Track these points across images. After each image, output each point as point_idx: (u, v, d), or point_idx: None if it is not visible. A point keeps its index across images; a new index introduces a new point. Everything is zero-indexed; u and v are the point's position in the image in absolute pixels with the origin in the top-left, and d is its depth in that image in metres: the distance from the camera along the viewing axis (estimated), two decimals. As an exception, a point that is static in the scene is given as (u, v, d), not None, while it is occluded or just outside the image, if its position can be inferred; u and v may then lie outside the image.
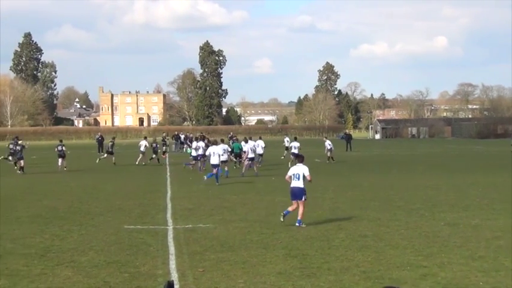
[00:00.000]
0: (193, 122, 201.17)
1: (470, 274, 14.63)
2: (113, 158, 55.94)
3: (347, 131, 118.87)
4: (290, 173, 22.46)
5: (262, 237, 19.58)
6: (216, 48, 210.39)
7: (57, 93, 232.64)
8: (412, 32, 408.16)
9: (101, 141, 77.66)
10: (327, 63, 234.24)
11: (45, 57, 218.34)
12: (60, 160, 50.76)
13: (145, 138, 59.75)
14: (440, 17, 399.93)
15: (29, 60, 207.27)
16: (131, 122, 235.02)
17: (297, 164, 22.55)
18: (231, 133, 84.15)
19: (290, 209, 22.24)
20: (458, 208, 25.85)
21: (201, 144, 46.83)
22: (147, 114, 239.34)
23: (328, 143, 57.34)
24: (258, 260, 16.28)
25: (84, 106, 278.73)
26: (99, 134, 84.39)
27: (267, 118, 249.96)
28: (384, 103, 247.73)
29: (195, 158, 47.20)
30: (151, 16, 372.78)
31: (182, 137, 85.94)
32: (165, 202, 28.79)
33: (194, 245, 18.35)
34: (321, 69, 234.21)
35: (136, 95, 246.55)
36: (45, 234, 20.29)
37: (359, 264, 15.67)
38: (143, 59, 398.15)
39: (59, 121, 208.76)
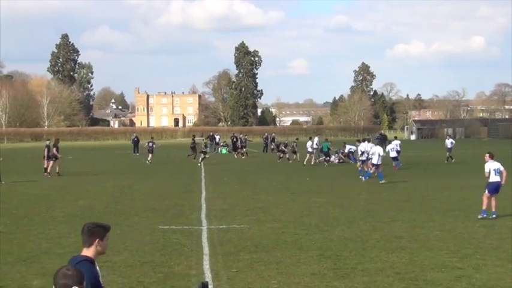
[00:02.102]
0: (228, 123, 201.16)
1: (506, 276, 14.52)
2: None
3: (382, 131, 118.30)
4: (488, 168, 24.14)
5: (296, 237, 19.57)
6: (251, 49, 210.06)
7: (94, 94, 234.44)
8: (448, 31, 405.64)
9: (136, 142, 78.15)
10: (363, 63, 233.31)
11: (81, 58, 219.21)
12: (150, 155, 58.89)
13: (310, 138, 60.20)
14: (477, 16, 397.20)
15: (66, 61, 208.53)
16: (166, 122, 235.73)
17: (491, 161, 24.41)
18: (266, 134, 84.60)
19: (485, 206, 23.33)
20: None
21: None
22: (183, 114, 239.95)
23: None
24: (292, 261, 16.28)
25: (120, 107, 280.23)
26: (135, 134, 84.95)
27: (302, 119, 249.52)
28: (419, 104, 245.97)
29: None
30: (187, 17, 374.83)
31: (217, 138, 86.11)
32: (199, 202, 28.87)
33: (228, 245, 18.39)
34: (357, 69, 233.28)
35: (172, 96, 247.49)
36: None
37: (393, 266, 15.60)
38: (179, 60, 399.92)
39: (95, 122, 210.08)
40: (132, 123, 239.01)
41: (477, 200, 28.72)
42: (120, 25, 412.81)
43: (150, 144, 60.23)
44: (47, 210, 26.38)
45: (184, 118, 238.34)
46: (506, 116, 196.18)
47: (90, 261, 7.19)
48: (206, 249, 17.81)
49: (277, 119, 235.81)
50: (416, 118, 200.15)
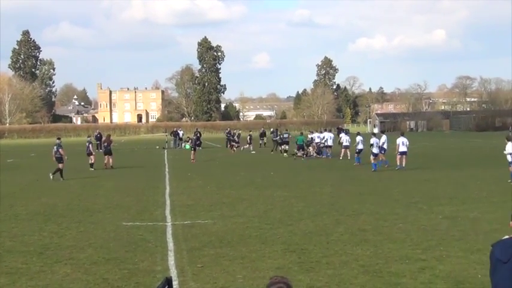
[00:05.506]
0: (192, 118, 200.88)
1: (469, 267, 14.64)
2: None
3: (340, 126, 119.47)
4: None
5: (261, 232, 19.60)
6: (214, 44, 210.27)
7: (56, 91, 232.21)
8: (410, 25, 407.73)
9: (99, 138, 77.55)
10: (326, 57, 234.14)
11: (43, 55, 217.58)
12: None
13: (374, 135, 59.70)
14: (439, 9, 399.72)
15: (27, 57, 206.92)
16: (129, 118, 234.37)
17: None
18: (228, 128, 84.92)
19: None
20: (457, 201, 25.86)
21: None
22: (146, 110, 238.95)
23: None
24: (257, 255, 16.30)
25: (82, 103, 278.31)
26: (98, 131, 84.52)
27: (265, 113, 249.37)
28: (382, 97, 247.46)
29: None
30: (149, 12, 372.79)
31: (181, 133, 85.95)
32: (163, 198, 28.81)
33: (193, 240, 18.37)
34: (320, 63, 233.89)
35: (135, 92, 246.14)
36: (44, 232, 20.30)
37: (358, 258, 15.69)
38: (141, 56, 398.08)
39: (57, 118, 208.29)
40: (95, 119, 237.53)
41: (440, 192, 29.07)
42: (82, 21, 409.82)
43: (285, 135, 62.26)
44: (9, 208, 26.13)
45: (147, 114, 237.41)
46: (468, 109, 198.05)
47: None
48: (171, 245, 17.78)
49: (241, 113, 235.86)
50: (379, 111, 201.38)
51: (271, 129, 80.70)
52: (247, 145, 71.08)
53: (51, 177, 38.60)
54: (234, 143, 72.80)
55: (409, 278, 13.82)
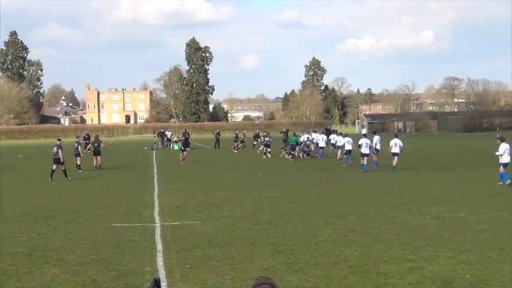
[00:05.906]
0: (180, 119, 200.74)
1: (457, 267, 14.68)
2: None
3: (327, 126, 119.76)
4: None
5: (250, 233, 19.59)
6: (202, 45, 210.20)
7: (44, 92, 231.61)
8: (399, 26, 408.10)
9: (87, 139, 77.37)
10: (314, 58, 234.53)
11: (31, 56, 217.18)
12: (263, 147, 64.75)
13: (365, 136, 59.34)
14: (427, 10, 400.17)
15: (15, 58, 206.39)
16: (118, 119, 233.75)
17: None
18: (217, 129, 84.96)
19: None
20: (445, 202, 25.92)
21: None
22: (134, 111, 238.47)
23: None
24: (246, 256, 16.30)
25: (70, 104, 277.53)
26: (86, 132, 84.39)
27: (253, 114, 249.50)
28: (370, 98, 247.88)
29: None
30: (137, 13, 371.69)
31: (169, 134, 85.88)
32: (152, 199, 28.76)
33: (181, 241, 18.35)
34: (308, 64, 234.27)
35: (123, 92, 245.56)
36: (32, 233, 20.24)
37: (346, 259, 15.70)
38: (130, 56, 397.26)
39: (45, 119, 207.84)
40: (82, 120, 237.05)
41: (428, 193, 29.12)
42: (70, 21, 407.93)
43: (267, 139, 61.88)
44: (-3, 210, 26.05)
45: (135, 115, 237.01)
46: (455, 109, 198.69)
47: None
48: (159, 246, 17.75)
49: (229, 114, 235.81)
50: (367, 112, 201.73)
51: (282, 130, 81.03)
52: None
53: (67, 179, 38.77)
54: (237, 144, 73.90)
55: (397, 278, 13.85)
